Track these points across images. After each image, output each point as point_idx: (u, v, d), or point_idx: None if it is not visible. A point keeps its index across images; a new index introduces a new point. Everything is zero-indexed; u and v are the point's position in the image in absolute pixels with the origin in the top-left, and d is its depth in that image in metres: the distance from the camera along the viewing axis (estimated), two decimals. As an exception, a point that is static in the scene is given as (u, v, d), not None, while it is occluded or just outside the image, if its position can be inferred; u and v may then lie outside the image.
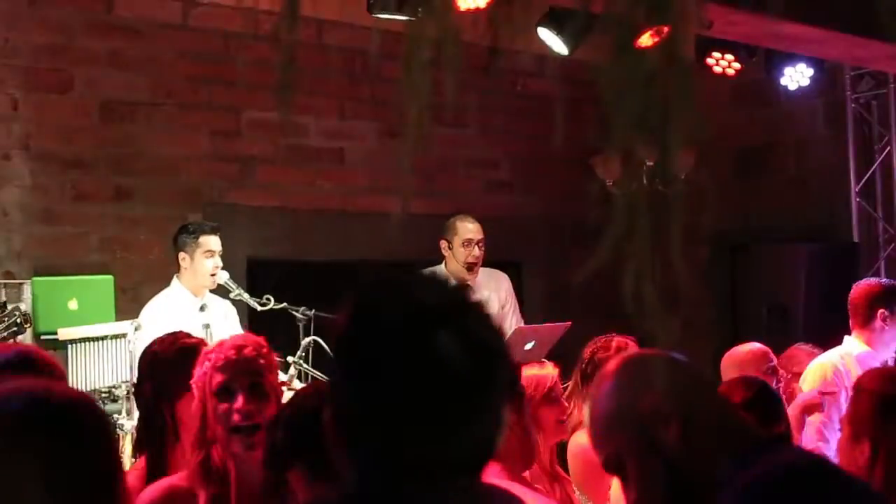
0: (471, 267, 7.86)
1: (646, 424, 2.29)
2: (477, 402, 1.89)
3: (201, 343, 4.24)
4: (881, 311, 6.38)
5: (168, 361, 3.98)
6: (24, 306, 7.00)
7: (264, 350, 3.54)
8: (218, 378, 3.45)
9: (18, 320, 5.78)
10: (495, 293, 8.10)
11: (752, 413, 3.76)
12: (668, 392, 2.32)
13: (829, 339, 7.35)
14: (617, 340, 5.53)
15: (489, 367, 1.91)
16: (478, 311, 1.94)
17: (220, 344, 3.55)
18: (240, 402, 3.42)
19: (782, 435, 2.55)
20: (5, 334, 5.74)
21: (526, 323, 8.14)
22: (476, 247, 7.84)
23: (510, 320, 8.17)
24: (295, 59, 1.63)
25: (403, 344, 1.86)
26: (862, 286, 6.58)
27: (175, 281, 7.12)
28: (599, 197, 1.72)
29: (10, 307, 5.89)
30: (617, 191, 1.57)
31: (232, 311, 7.28)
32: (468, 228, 7.86)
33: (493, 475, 3.82)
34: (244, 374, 3.47)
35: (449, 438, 1.87)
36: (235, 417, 3.41)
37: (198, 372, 3.51)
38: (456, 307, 1.92)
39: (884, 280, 6.77)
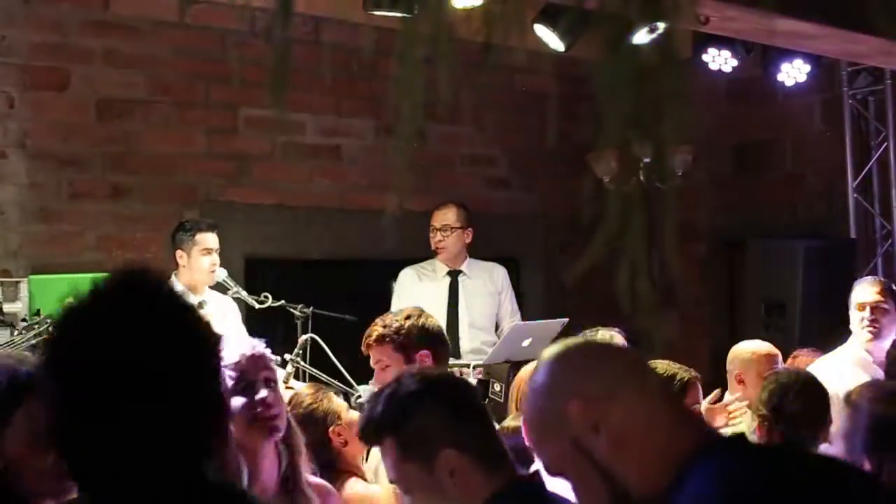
0: (436, 253, 8.02)
1: (574, 434, 2.14)
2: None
3: None
4: None
5: None
6: (21, 305, 7.01)
7: (262, 351, 3.71)
8: (235, 374, 3.55)
9: (49, 328, 5.76)
10: (492, 280, 8.18)
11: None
12: (596, 395, 2.16)
13: (825, 335, 7.36)
14: (602, 333, 5.55)
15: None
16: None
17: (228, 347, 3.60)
18: (265, 392, 3.58)
19: (737, 436, 2.35)
20: (35, 342, 5.72)
21: (523, 318, 8.16)
22: (438, 233, 7.99)
23: (506, 307, 8.23)
24: (288, 57, 1.63)
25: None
26: None
27: (173, 278, 7.13)
28: (595, 194, 1.71)
29: (42, 315, 5.89)
30: (612, 187, 1.57)
31: (233, 308, 7.29)
32: (434, 215, 8.03)
33: None
34: (260, 369, 3.63)
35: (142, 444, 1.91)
36: (260, 409, 3.56)
37: None
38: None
39: (882, 279, 6.76)
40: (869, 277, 6.94)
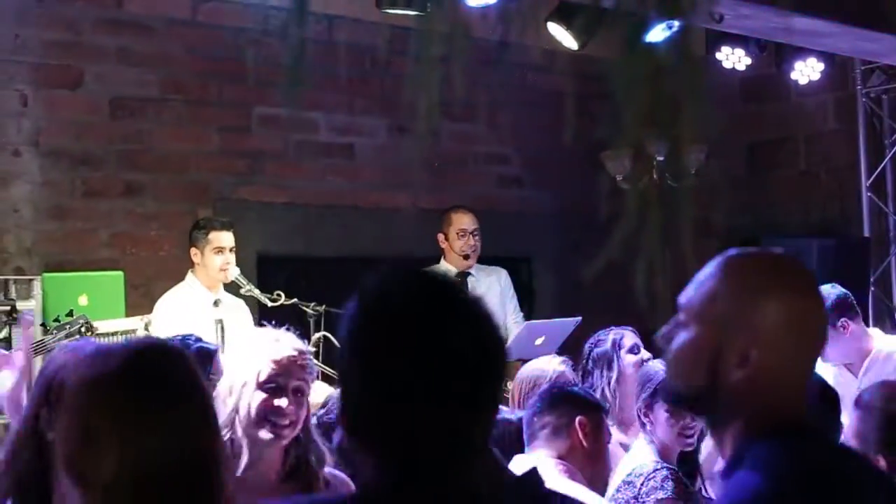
0: (467, 256, 7.95)
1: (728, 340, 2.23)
2: (481, 394, 1.91)
3: (217, 349, 4.32)
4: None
5: None
6: (34, 303, 7.03)
7: (309, 359, 3.69)
8: (270, 371, 3.55)
9: (82, 328, 5.78)
10: (493, 287, 8.15)
11: None
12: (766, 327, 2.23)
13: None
14: (613, 333, 5.57)
15: (493, 359, 1.93)
16: (479, 305, 1.96)
17: (279, 339, 3.64)
18: (285, 402, 3.54)
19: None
20: (66, 342, 5.73)
21: (534, 318, 8.15)
22: (471, 236, 7.93)
23: (510, 313, 8.22)
24: (304, 55, 1.63)
25: (414, 333, 1.88)
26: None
27: (189, 275, 7.15)
28: (609, 192, 1.71)
29: (75, 314, 5.91)
30: (627, 186, 1.57)
31: (245, 310, 7.29)
32: (463, 219, 7.97)
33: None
34: (295, 377, 3.60)
35: (458, 430, 1.88)
36: (276, 417, 3.55)
37: (246, 352, 3.62)
38: (461, 299, 1.95)
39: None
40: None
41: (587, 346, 5.61)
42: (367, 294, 1.98)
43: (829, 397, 4.05)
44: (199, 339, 4.40)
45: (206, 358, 4.24)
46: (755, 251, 2.29)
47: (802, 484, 2.09)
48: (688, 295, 2.26)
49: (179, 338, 4.37)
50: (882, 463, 3.43)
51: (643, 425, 4.50)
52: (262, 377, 3.54)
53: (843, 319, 6.29)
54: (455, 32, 1.59)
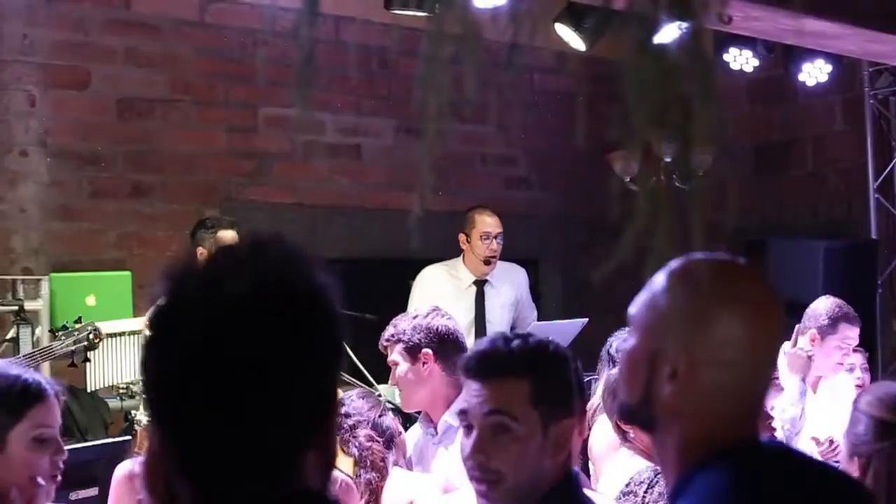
0: (488, 261, 7.81)
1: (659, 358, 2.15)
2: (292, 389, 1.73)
3: None
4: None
5: None
6: (42, 303, 7.03)
7: None
8: None
9: (90, 336, 5.77)
10: (513, 287, 8.07)
11: None
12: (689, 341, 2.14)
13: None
14: (619, 334, 5.55)
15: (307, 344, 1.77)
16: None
17: None
18: None
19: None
20: (73, 348, 5.72)
21: (541, 319, 8.14)
22: (494, 240, 7.77)
23: (527, 314, 8.17)
24: (314, 57, 1.63)
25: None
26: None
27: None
28: (618, 193, 1.71)
29: (83, 320, 5.90)
30: (638, 187, 1.57)
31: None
32: (486, 222, 7.80)
33: None
34: None
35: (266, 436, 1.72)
36: None
37: None
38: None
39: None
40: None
41: (604, 347, 5.58)
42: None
43: None
44: None
45: None
46: (707, 258, 2.13)
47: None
48: (634, 304, 2.19)
49: None
50: (856, 461, 3.46)
51: (623, 434, 4.35)
52: None
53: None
54: (466, 34, 1.59)
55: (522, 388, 2.72)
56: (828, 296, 6.55)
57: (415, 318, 4.79)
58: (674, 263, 2.10)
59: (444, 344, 4.75)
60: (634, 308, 2.18)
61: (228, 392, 1.67)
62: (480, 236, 7.77)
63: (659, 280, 2.14)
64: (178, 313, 1.76)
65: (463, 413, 2.80)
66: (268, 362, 1.69)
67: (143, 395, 1.73)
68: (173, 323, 1.75)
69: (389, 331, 4.78)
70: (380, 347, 4.82)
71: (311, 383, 1.75)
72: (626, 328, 2.30)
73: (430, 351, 4.69)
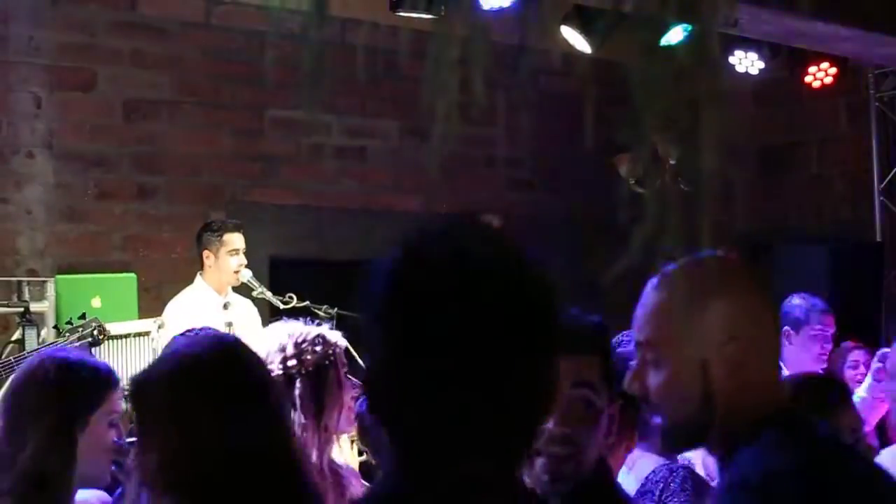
0: None
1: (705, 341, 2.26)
2: (531, 371, 1.70)
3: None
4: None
5: None
6: (48, 304, 7.04)
7: None
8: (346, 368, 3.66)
9: (94, 332, 5.78)
10: None
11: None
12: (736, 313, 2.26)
13: (851, 338, 7.34)
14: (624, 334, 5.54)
15: (546, 328, 1.74)
16: (533, 268, 1.81)
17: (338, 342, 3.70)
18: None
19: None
20: (77, 345, 5.73)
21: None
22: None
23: None
24: (322, 59, 1.63)
25: (457, 304, 1.64)
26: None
27: (199, 279, 7.14)
28: (624, 196, 1.70)
29: (88, 318, 5.91)
30: (646, 190, 1.57)
31: (253, 311, 7.30)
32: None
33: None
34: None
35: (499, 418, 1.67)
36: None
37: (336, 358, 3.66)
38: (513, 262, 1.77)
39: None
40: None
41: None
42: (398, 260, 1.75)
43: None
44: (216, 331, 4.44)
45: None
46: (685, 262, 2.24)
47: (816, 464, 2.09)
48: (646, 329, 2.28)
49: (198, 329, 4.38)
50: None
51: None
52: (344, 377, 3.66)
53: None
54: (474, 36, 1.59)
55: (595, 364, 2.75)
56: (793, 296, 6.58)
57: None
58: (662, 277, 2.23)
59: None
60: (651, 334, 2.27)
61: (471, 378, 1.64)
62: None
63: (661, 297, 2.25)
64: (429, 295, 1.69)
65: None
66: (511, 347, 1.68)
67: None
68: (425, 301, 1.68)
69: None
70: None
71: (540, 372, 1.75)
72: (630, 331, 2.32)
73: None
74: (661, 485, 3.99)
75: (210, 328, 4.48)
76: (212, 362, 2.46)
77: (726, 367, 2.18)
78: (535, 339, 1.71)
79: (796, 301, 6.47)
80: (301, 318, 3.88)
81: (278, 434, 2.45)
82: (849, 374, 6.89)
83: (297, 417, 3.48)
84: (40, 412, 2.90)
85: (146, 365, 2.59)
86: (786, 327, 6.28)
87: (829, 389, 3.96)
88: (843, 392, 4.03)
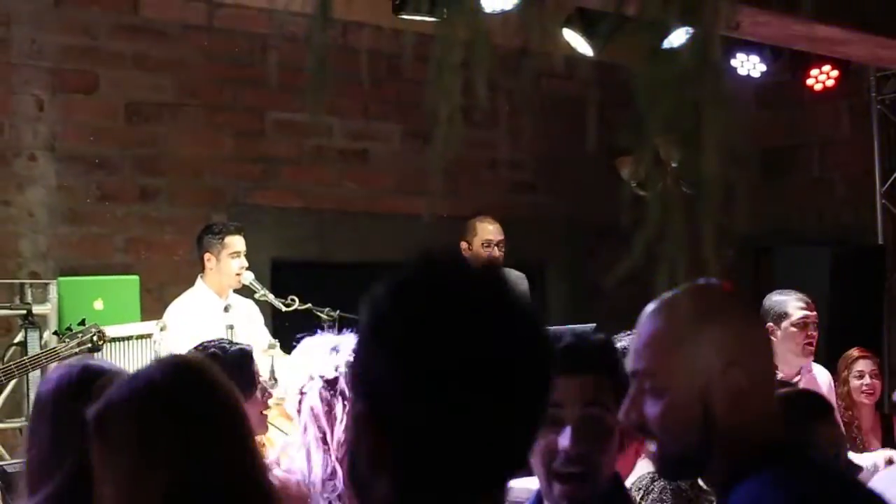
0: None
1: (706, 368, 2.24)
2: (521, 399, 1.70)
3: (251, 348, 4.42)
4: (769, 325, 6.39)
5: (227, 362, 4.06)
6: (50, 307, 7.05)
7: None
8: None
9: (94, 338, 5.79)
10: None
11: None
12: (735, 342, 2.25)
13: (853, 341, 7.35)
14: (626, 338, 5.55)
15: (538, 359, 1.76)
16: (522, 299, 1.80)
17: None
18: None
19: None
20: (76, 351, 5.75)
21: (549, 325, 8.14)
22: (495, 248, 7.89)
23: None
24: (326, 62, 1.64)
25: (455, 331, 1.66)
26: None
27: (199, 281, 7.14)
28: (626, 198, 1.71)
29: (87, 323, 5.92)
30: (649, 192, 1.57)
31: (256, 312, 7.30)
32: (488, 229, 7.92)
33: None
34: None
35: (493, 443, 1.68)
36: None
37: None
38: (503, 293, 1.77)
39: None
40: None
41: None
42: (398, 283, 1.80)
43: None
44: (231, 342, 4.47)
45: (247, 359, 4.30)
46: (680, 290, 2.26)
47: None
48: (642, 358, 2.27)
49: (216, 342, 4.40)
50: None
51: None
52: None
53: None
54: (476, 39, 1.59)
55: (605, 382, 2.76)
56: (772, 293, 6.63)
57: None
58: (659, 305, 2.26)
59: None
60: (648, 364, 2.26)
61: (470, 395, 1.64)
62: (482, 244, 7.88)
63: (657, 324, 2.26)
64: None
65: (552, 406, 2.82)
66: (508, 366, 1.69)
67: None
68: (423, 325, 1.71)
69: None
70: None
71: (539, 391, 1.75)
72: (629, 332, 2.34)
73: None
74: (642, 492, 4.04)
75: (215, 340, 4.50)
76: (171, 388, 2.41)
77: (726, 394, 2.16)
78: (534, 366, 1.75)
79: (775, 297, 6.49)
80: (329, 329, 3.97)
81: (241, 459, 2.40)
82: (854, 383, 6.90)
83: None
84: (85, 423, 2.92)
85: (106, 394, 2.55)
86: (769, 324, 6.30)
87: (807, 405, 3.97)
88: (822, 407, 4.03)
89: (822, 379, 6.53)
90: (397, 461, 1.67)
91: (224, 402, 2.43)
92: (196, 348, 4.38)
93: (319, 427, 3.62)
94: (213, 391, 2.43)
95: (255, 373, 4.27)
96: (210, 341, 4.41)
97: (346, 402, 3.58)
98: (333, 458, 3.58)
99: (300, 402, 3.67)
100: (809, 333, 6.41)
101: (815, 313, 6.44)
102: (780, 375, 6.09)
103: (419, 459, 1.66)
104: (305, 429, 3.64)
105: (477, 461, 1.66)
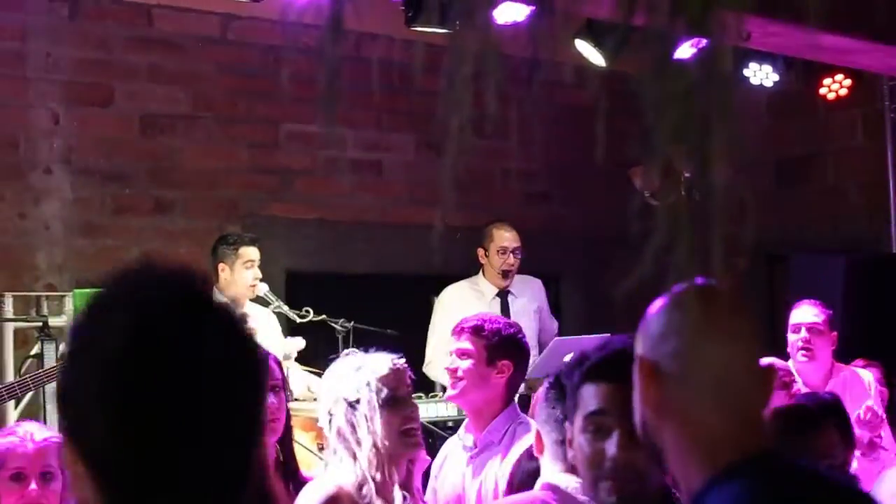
0: (506, 274, 7.96)
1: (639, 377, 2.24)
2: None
3: (269, 354, 4.41)
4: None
5: None
6: (66, 319, 7.07)
7: None
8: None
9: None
10: (532, 297, 8.17)
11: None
12: (662, 360, 2.20)
13: (868, 350, 7.34)
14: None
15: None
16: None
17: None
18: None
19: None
20: None
21: (564, 335, 8.14)
22: (511, 254, 7.92)
23: (547, 324, 8.24)
24: (339, 75, 1.66)
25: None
26: None
27: (214, 291, 7.15)
28: (639, 209, 1.72)
29: None
30: (659, 202, 1.58)
31: (273, 319, 7.30)
32: (504, 236, 7.94)
33: None
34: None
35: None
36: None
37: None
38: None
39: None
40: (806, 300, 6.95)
41: None
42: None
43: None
44: None
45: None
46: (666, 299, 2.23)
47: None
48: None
49: None
50: None
51: None
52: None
53: None
54: (488, 51, 1.61)
55: None
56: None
57: (509, 326, 4.81)
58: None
59: (523, 359, 4.80)
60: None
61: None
62: (498, 251, 7.91)
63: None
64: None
65: (599, 414, 2.83)
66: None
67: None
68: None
69: (478, 324, 4.76)
70: (455, 331, 4.81)
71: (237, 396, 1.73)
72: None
73: (510, 362, 4.71)
74: None
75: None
76: None
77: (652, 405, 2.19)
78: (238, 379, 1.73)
79: None
80: (360, 349, 4.05)
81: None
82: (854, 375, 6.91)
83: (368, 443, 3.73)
84: None
85: None
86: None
87: (798, 415, 3.99)
88: (812, 418, 4.04)
89: (859, 381, 6.59)
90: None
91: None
92: None
93: (347, 448, 3.72)
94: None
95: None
96: None
97: (369, 423, 3.67)
98: (362, 471, 3.67)
99: (329, 424, 3.83)
100: (803, 338, 6.51)
101: (813, 320, 6.54)
102: (797, 385, 6.14)
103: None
104: (335, 450, 3.76)
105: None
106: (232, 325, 1.77)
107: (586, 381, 2.89)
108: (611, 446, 2.80)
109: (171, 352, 1.63)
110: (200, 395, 1.64)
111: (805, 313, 6.72)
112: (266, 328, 7.19)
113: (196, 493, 1.65)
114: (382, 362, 3.85)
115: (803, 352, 6.63)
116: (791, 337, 6.68)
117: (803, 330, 6.64)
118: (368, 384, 3.78)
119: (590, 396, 2.88)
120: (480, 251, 7.98)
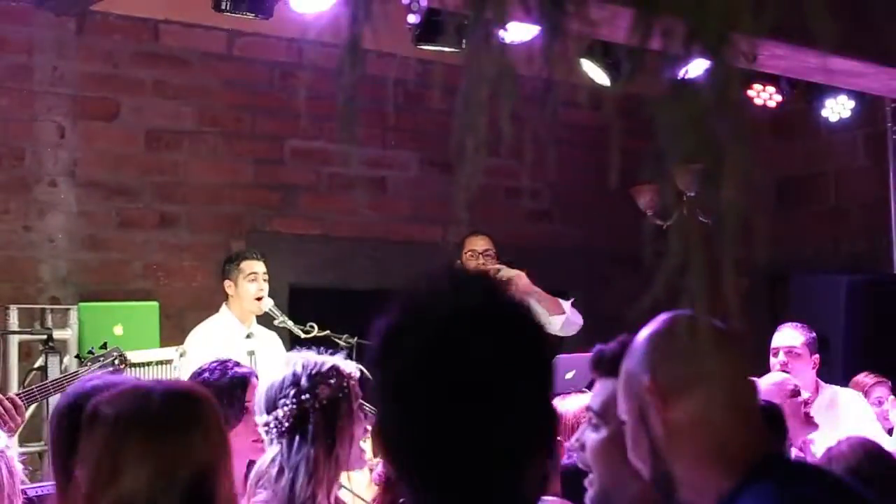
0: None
1: (641, 403, 2.24)
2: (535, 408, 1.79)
3: (252, 373, 4.37)
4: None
5: (218, 389, 4.05)
6: (70, 332, 7.09)
7: None
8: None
9: (115, 361, 5.81)
10: None
11: None
12: (669, 383, 2.23)
13: (869, 369, 7.36)
14: None
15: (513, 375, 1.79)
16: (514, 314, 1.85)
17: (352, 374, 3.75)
18: None
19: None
20: (99, 374, 5.77)
21: (564, 352, 8.15)
22: (480, 256, 7.94)
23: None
24: (357, 96, 1.68)
25: (424, 366, 1.78)
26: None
27: (224, 308, 7.19)
28: (642, 228, 1.74)
29: (109, 346, 5.95)
30: (664, 222, 1.61)
31: (278, 342, 7.32)
32: (472, 241, 7.98)
33: None
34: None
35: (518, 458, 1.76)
36: None
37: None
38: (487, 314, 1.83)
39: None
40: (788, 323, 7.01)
41: None
42: (387, 325, 1.92)
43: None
44: (236, 364, 4.46)
45: (243, 384, 4.30)
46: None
47: None
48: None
49: (218, 362, 4.41)
50: None
51: None
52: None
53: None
54: (503, 74, 1.63)
55: None
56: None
57: None
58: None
59: None
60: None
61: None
62: (468, 255, 7.93)
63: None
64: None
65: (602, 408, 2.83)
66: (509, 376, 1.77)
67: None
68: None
69: None
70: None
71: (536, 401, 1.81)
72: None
73: None
74: None
75: (217, 362, 4.50)
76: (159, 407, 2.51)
77: (661, 427, 2.23)
78: (537, 380, 1.81)
79: None
80: (315, 348, 3.90)
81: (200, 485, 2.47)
82: (875, 410, 6.93)
83: (309, 452, 3.49)
84: None
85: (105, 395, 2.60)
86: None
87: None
88: (776, 421, 4.09)
89: (840, 401, 6.63)
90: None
91: (207, 435, 2.50)
92: (192, 374, 4.43)
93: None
94: (198, 424, 2.52)
95: (247, 401, 4.20)
96: (212, 362, 4.43)
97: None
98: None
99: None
100: (781, 361, 6.60)
101: (790, 344, 6.65)
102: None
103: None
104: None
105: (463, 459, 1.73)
106: (527, 329, 1.85)
107: (604, 375, 2.91)
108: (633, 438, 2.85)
109: (473, 357, 1.76)
110: (502, 397, 1.75)
111: (784, 337, 6.77)
112: (271, 348, 7.21)
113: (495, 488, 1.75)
114: (354, 367, 3.82)
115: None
116: (772, 360, 6.72)
117: (781, 353, 6.69)
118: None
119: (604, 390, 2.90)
120: (458, 262, 8.03)
